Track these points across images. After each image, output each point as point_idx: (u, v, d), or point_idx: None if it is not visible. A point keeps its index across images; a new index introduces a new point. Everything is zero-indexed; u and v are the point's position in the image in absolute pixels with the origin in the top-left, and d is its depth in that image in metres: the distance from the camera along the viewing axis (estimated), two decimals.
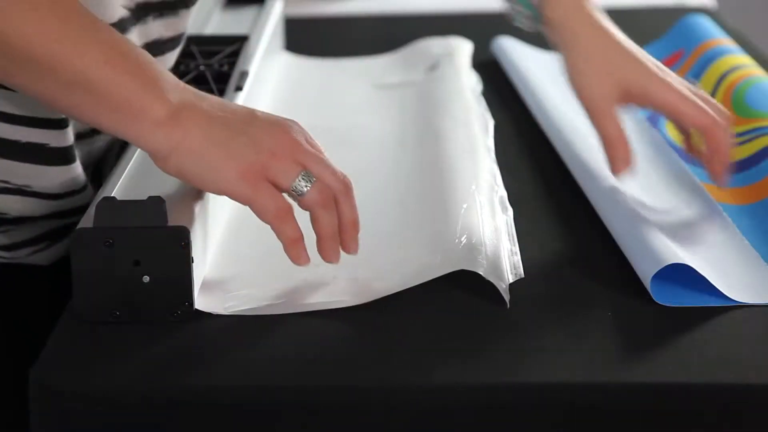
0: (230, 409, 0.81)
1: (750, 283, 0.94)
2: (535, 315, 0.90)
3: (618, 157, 1.04)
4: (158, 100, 0.88)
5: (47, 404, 0.82)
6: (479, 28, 1.58)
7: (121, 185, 0.95)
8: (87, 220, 0.90)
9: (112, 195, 0.91)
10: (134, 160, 1.00)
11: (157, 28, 1.05)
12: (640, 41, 1.49)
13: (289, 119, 0.92)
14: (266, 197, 0.88)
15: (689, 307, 0.90)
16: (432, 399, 0.82)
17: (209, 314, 0.89)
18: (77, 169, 1.02)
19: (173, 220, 0.89)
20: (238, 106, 0.92)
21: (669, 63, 1.39)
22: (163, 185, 0.95)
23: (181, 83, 0.90)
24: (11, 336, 1.06)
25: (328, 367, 0.84)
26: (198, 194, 0.94)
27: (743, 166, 1.12)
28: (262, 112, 0.92)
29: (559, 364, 0.84)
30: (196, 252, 0.89)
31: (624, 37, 1.08)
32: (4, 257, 1.04)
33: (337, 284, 0.93)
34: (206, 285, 0.93)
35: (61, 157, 1.00)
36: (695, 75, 1.33)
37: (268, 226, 0.90)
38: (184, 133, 0.88)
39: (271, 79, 1.37)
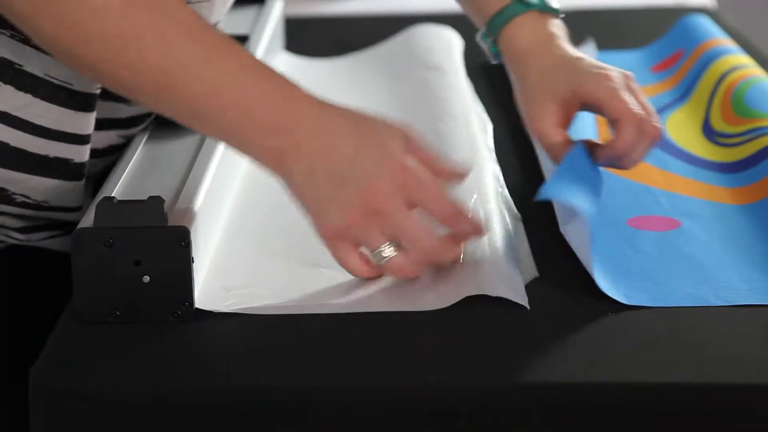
0: (230, 409, 0.81)
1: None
2: (535, 315, 0.90)
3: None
4: (264, 141, 0.89)
5: (47, 404, 0.82)
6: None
7: (121, 185, 0.95)
8: (87, 220, 0.90)
9: (112, 195, 0.91)
10: (134, 160, 1.00)
11: None
12: (640, 41, 1.51)
13: (391, 161, 0.89)
14: (346, 259, 0.91)
15: (688, 308, 0.90)
16: (432, 399, 0.82)
17: (209, 314, 0.89)
18: (82, 185, 1.03)
19: (173, 220, 0.89)
20: (343, 142, 0.89)
21: (669, 63, 1.39)
22: (163, 185, 0.95)
23: (293, 118, 0.89)
24: (12, 334, 1.06)
25: (328, 367, 0.84)
26: (198, 194, 0.94)
27: (743, 166, 1.12)
28: (363, 155, 0.89)
29: (559, 364, 0.84)
30: (196, 251, 0.89)
31: (570, 52, 1.04)
32: (19, 239, 1.05)
33: (338, 288, 0.93)
34: (207, 284, 0.93)
35: (77, 173, 1.02)
36: (695, 75, 1.33)
37: (269, 227, 0.91)
38: (288, 176, 0.90)
39: None
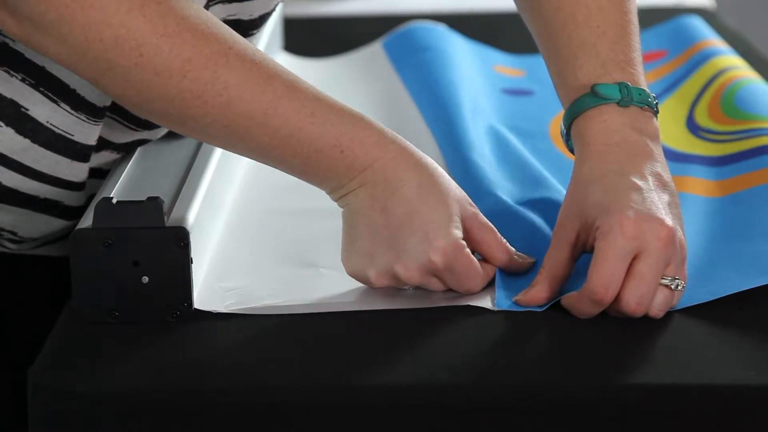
0: (230, 409, 0.81)
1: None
2: (535, 316, 0.89)
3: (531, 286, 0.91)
4: (324, 182, 0.91)
5: (46, 405, 0.82)
6: (479, 28, 1.58)
7: (119, 186, 0.95)
8: (86, 221, 0.90)
9: (111, 196, 0.91)
10: (133, 160, 1.00)
11: None
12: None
13: (433, 248, 0.88)
14: (374, 285, 0.92)
15: (689, 307, 0.90)
16: (432, 399, 0.82)
17: (209, 314, 0.89)
18: (73, 225, 1.03)
19: (172, 221, 0.89)
20: (401, 202, 0.89)
21: (649, 58, 1.39)
22: (162, 186, 0.95)
23: (362, 159, 0.89)
24: (12, 334, 1.06)
25: (328, 367, 0.84)
26: (197, 194, 0.94)
27: (729, 160, 1.11)
28: (411, 230, 0.89)
29: (559, 364, 0.84)
30: (195, 252, 0.89)
31: (613, 168, 0.91)
32: (11, 249, 1.05)
33: (337, 287, 0.93)
34: (206, 284, 0.93)
35: (68, 213, 1.02)
36: (683, 74, 1.32)
37: (268, 227, 0.90)
38: (344, 205, 0.91)
39: None
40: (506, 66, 1.44)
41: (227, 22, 0.99)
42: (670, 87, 1.31)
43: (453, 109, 1.23)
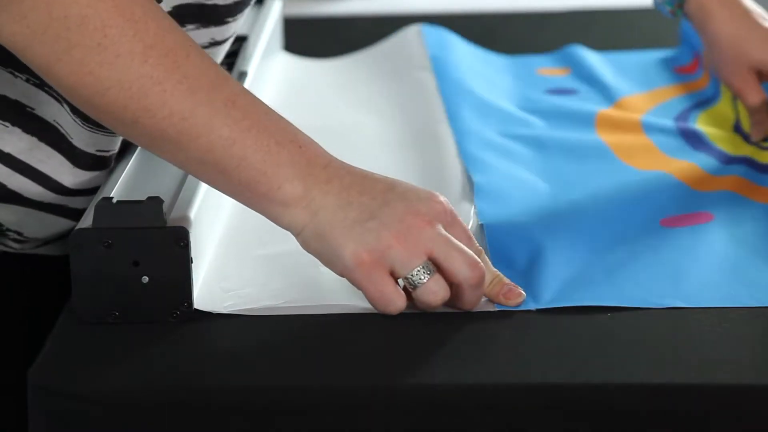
0: (230, 410, 0.81)
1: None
2: (535, 316, 0.90)
3: (759, 123, 1.15)
4: (287, 182, 0.87)
5: (46, 405, 0.82)
6: (479, 28, 1.58)
7: (119, 186, 0.95)
8: (86, 221, 0.90)
9: (111, 195, 0.91)
10: (133, 160, 1.00)
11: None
12: (640, 41, 1.51)
13: (433, 196, 0.89)
14: (383, 287, 0.87)
15: (687, 309, 0.90)
16: (432, 399, 0.82)
17: (209, 314, 0.89)
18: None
19: (172, 221, 0.89)
20: (377, 180, 0.89)
21: (693, 68, 1.38)
22: (162, 185, 0.95)
23: (321, 158, 0.88)
24: (12, 334, 1.06)
25: (327, 367, 0.84)
26: (197, 194, 0.94)
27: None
28: (403, 188, 0.89)
29: (559, 364, 0.84)
30: (195, 252, 0.89)
31: (759, 16, 1.16)
32: (14, 248, 1.05)
33: (337, 288, 0.93)
34: (205, 284, 0.93)
35: (73, 214, 1.03)
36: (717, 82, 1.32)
37: (268, 227, 0.91)
38: (312, 215, 0.87)
39: (270, 80, 1.37)
40: (550, 67, 1.44)
41: (204, 6, 0.99)
42: (713, 96, 1.30)
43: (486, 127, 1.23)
